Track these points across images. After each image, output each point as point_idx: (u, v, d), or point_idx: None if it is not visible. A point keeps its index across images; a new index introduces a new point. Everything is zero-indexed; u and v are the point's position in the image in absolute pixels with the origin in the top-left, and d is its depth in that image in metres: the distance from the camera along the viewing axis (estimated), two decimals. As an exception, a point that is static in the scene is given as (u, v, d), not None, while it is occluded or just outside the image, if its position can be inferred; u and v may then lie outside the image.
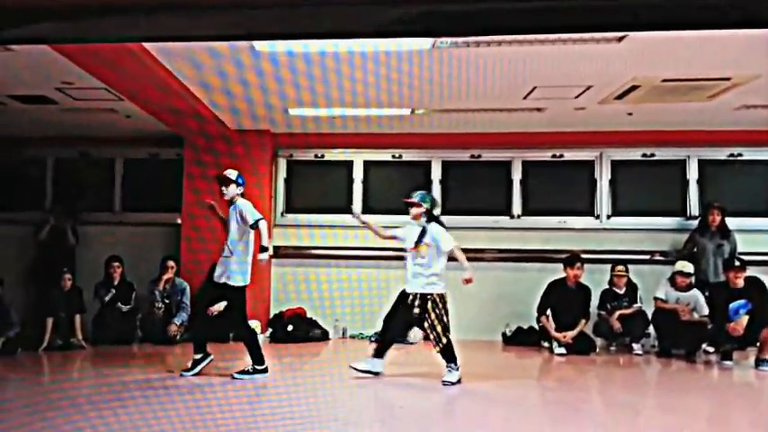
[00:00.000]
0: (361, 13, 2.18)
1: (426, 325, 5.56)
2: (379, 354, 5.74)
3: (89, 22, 2.19)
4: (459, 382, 5.47)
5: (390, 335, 5.85)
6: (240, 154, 8.43)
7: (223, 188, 5.84)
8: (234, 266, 5.72)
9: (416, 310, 5.58)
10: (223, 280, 5.74)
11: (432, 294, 5.56)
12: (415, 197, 5.75)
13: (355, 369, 5.66)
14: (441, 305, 5.55)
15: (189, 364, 5.73)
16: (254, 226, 5.70)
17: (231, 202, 5.83)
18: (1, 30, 2.20)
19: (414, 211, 5.74)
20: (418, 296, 5.61)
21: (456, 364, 5.52)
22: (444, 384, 5.43)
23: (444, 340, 5.50)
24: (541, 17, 2.16)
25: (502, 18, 2.17)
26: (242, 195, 5.89)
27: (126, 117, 7.93)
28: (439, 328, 5.50)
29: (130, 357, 7.18)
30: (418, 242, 5.64)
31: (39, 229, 8.72)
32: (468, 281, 5.44)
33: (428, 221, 5.71)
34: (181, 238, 8.69)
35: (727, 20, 2.17)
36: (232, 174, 5.86)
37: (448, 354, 5.54)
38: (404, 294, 5.75)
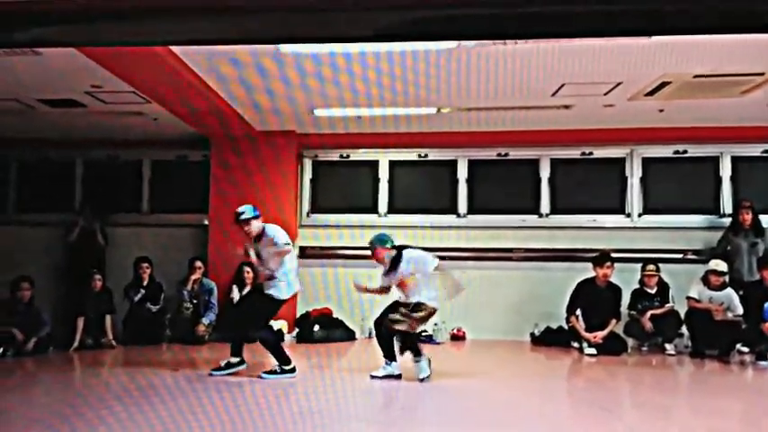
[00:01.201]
0: (378, 16, 2.14)
1: (398, 316, 5.57)
2: (389, 358, 5.71)
3: (112, 25, 2.19)
4: (430, 373, 5.50)
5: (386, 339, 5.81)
6: (266, 155, 8.48)
7: (246, 228, 5.82)
8: (279, 283, 5.76)
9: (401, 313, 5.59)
10: (269, 291, 5.79)
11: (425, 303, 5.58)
12: (376, 244, 5.73)
13: (376, 377, 5.66)
14: (422, 312, 5.57)
15: (222, 364, 5.75)
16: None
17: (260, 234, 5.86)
18: (14, 31, 2.19)
19: (378, 255, 5.75)
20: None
21: (422, 355, 5.55)
22: (422, 381, 5.45)
23: (407, 337, 5.56)
24: (569, 22, 2.09)
25: (525, 23, 2.11)
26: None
27: (153, 119, 8.00)
28: (403, 324, 5.53)
29: (160, 357, 7.23)
30: (398, 276, 5.65)
31: (68, 230, 8.85)
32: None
33: (398, 253, 5.68)
34: (208, 239, 8.75)
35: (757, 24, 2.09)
36: (248, 211, 5.82)
37: (411, 347, 5.59)
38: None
